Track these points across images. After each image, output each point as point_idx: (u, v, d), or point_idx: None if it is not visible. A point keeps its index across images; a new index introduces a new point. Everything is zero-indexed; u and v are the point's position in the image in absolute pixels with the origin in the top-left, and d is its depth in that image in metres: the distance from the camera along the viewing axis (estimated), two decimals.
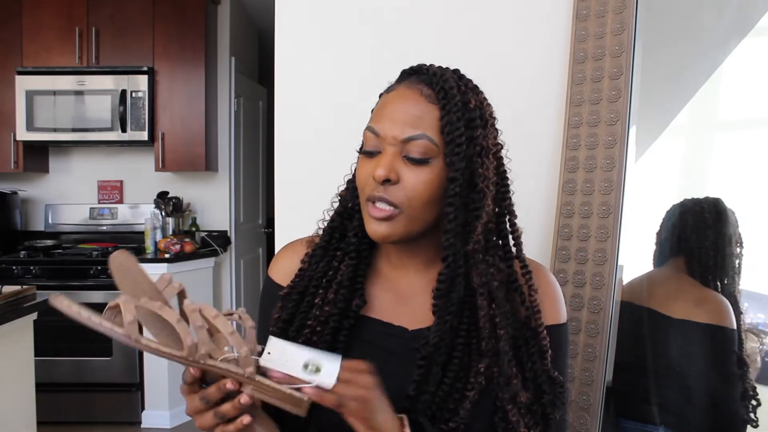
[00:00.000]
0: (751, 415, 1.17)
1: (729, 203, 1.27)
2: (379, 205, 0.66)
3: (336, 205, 0.77)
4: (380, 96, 0.73)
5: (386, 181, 0.65)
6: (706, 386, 1.23)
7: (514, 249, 0.72)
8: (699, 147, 1.39)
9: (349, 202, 0.74)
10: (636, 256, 1.36)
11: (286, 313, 0.71)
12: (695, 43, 1.34)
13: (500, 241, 0.72)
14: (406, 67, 0.74)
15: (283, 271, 0.78)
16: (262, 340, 0.68)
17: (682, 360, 1.25)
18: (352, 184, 0.75)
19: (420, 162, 0.65)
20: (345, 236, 0.74)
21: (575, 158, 1.19)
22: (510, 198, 0.74)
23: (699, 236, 1.26)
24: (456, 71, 0.72)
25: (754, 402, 1.16)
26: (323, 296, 0.70)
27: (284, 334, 0.69)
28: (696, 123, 1.35)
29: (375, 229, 0.67)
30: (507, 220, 0.73)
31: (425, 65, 0.71)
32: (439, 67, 0.70)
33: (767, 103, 1.25)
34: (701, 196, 1.28)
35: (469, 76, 1.30)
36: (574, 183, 1.19)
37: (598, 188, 1.15)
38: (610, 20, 1.15)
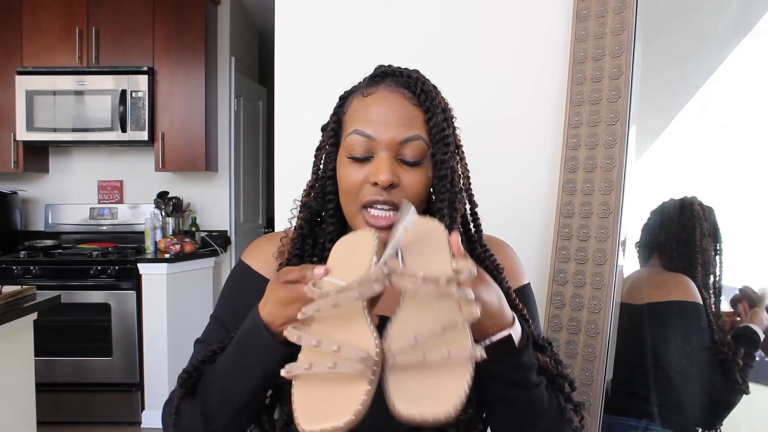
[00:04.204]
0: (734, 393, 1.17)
1: (729, 203, 1.27)
2: (381, 213, 0.66)
3: (297, 211, 0.76)
4: (345, 99, 0.74)
5: (390, 186, 0.65)
6: (683, 372, 1.23)
7: (475, 234, 0.76)
8: (699, 147, 1.39)
9: (318, 208, 0.73)
10: (636, 256, 1.36)
11: None
12: (695, 43, 1.34)
13: (466, 227, 0.77)
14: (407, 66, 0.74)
15: (263, 260, 0.77)
16: (226, 320, 0.71)
17: (656, 347, 1.26)
18: (319, 190, 0.74)
19: (416, 163, 0.67)
20: (317, 242, 0.73)
21: (575, 158, 1.19)
22: (471, 189, 0.76)
23: (663, 230, 1.29)
24: (418, 72, 0.73)
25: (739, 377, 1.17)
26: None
27: None
28: (696, 123, 1.35)
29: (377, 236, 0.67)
30: (470, 209, 0.77)
31: (395, 67, 0.72)
32: (407, 69, 0.72)
33: (767, 103, 1.25)
34: (700, 196, 1.29)
35: (470, 75, 1.31)
36: (574, 183, 1.19)
37: (598, 188, 1.15)
38: (610, 20, 1.15)
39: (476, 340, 0.56)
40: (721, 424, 1.20)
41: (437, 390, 0.48)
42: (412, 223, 0.58)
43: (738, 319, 1.22)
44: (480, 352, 0.49)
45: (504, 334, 0.58)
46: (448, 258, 0.57)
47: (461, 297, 0.50)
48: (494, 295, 0.57)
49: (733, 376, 1.16)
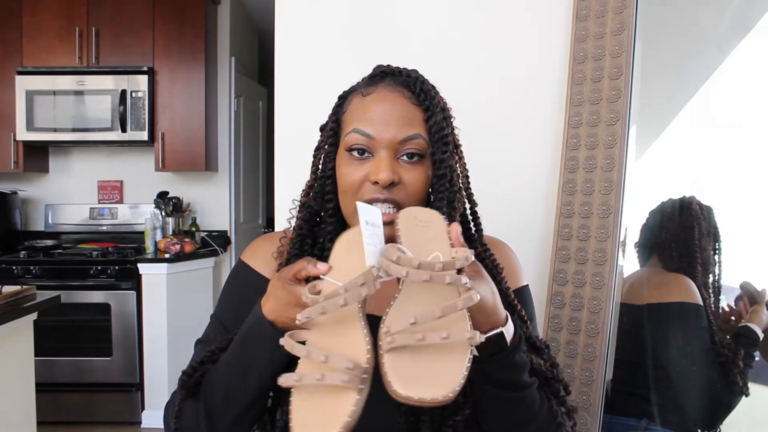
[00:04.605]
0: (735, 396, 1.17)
1: (729, 203, 1.27)
2: (383, 206, 0.66)
3: (295, 211, 0.76)
4: (344, 98, 0.74)
5: (390, 184, 0.65)
6: (683, 372, 1.23)
7: (475, 234, 0.76)
8: (699, 147, 1.39)
9: (317, 208, 0.73)
10: (635, 256, 1.36)
11: None
12: (695, 43, 1.34)
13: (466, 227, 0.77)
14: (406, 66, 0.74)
15: (262, 260, 0.77)
16: (226, 320, 0.71)
17: (656, 347, 1.26)
18: (318, 190, 0.74)
19: (415, 162, 0.68)
20: (316, 242, 0.73)
21: (575, 158, 1.19)
22: (471, 188, 0.76)
23: (663, 230, 1.29)
24: (417, 71, 0.73)
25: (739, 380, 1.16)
26: None
27: None
28: (696, 123, 1.36)
29: None
30: (470, 208, 0.77)
31: (394, 67, 0.72)
32: (406, 69, 0.72)
33: (767, 103, 1.25)
34: (700, 196, 1.29)
35: (469, 76, 1.31)
36: (574, 183, 1.19)
37: (598, 188, 1.15)
38: (610, 20, 1.15)
39: None
40: (721, 423, 1.20)
41: (436, 372, 0.48)
42: (372, 216, 0.58)
43: (733, 319, 1.22)
44: (479, 337, 0.49)
45: (496, 331, 0.58)
46: (447, 247, 0.57)
47: (455, 281, 0.50)
48: (488, 290, 0.57)
49: (733, 378, 1.15)
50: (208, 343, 0.73)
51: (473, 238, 0.76)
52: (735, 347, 1.17)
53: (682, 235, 1.25)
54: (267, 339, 0.60)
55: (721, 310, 1.24)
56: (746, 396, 1.16)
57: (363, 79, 0.75)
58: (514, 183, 1.28)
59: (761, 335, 1.17)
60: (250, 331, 0.62)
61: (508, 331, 0.59)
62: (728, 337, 1.19)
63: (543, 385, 0.67)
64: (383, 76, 0.71)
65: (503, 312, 0.60)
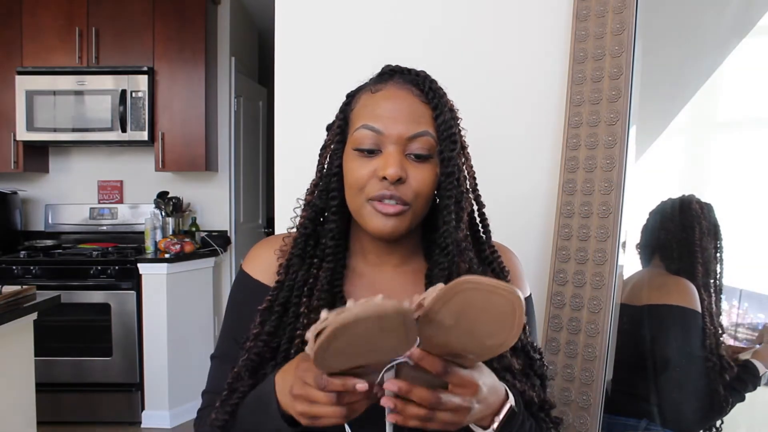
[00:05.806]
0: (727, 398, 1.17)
1: (729, 203, 1.27)
2: (389, 202, 0.66)
3: (300, 210, 0.76)
4: (353, 97, 0.74)
5: (398, 180, 0.65)
6: (679, 374, 1.23)
7: (483, 235, 0.77)
8: (699, 147, 1.39)
9: (322, 206, 0.73)
10: (635, 256, 1.36)
11: (270, 325, 0.69)
12: (695, 43, 1.34)
13: (474, 228, 0.77)
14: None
15: (262, 267, 0.77)
16: (235, 333, 0.72)
17: (654, 348, 1.26)
18: (323, 188, 0.73)
19: (424, 159, 0.68)
20: (319, 242, 0.73)
21: (575, 158, 1.19)
22: (478, 189, 0.77)
23: (664, 230, 1.29)
24: (425, 71, 0.74)
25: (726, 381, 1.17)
26: (308, 305, 0.69)
27: (268, 347, 0.68)
28: (696, 123, 1.35)
29: (384, 224, 0.67)
30: (477, 209, 0.77)
31: (403, 66, 0.73)
32: (414, 69, 0.73)
33: (767, 103, 1.25)
34: (701, 196, 1.28)
35: (469, 76, 1.31)
36: (574, 183, 1.19)
37: (598, 188, 1.15)
38: (610, 20, 1.15)
39: (484, 426, 0.60)
40: (722, 423, 1.20)
41: None
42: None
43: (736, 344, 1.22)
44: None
45: (506, 408, 0.61)
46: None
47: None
48: (485, 389, 0.57)
49: (715, 386, 1.16)
50: (221, 359, 0.75)
51: (481, 240, 0.76)
52: (728, 363, 1.17)
53: (683, 235, 1.25)
54: (272, 412, 0.60)
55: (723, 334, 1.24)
56: (726, 414, 1.17)
57: (371, 78, 0.75)
58: (514, 183, 1.28)
59: (762, 371, 1.17)
60: (261, 396, 0.63)
61: (511, 399, 0.62)
62: (722, 346, 1.19)
63: (536, 410, 0.70)
64: (392, 74, 0.72)
65: (501, 387, 0.62)
